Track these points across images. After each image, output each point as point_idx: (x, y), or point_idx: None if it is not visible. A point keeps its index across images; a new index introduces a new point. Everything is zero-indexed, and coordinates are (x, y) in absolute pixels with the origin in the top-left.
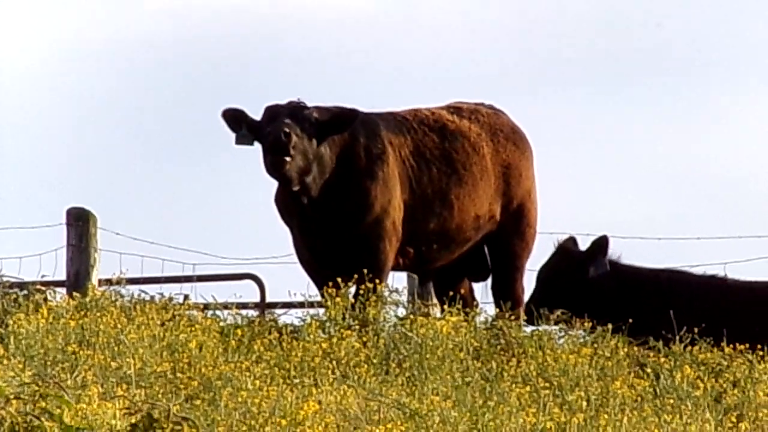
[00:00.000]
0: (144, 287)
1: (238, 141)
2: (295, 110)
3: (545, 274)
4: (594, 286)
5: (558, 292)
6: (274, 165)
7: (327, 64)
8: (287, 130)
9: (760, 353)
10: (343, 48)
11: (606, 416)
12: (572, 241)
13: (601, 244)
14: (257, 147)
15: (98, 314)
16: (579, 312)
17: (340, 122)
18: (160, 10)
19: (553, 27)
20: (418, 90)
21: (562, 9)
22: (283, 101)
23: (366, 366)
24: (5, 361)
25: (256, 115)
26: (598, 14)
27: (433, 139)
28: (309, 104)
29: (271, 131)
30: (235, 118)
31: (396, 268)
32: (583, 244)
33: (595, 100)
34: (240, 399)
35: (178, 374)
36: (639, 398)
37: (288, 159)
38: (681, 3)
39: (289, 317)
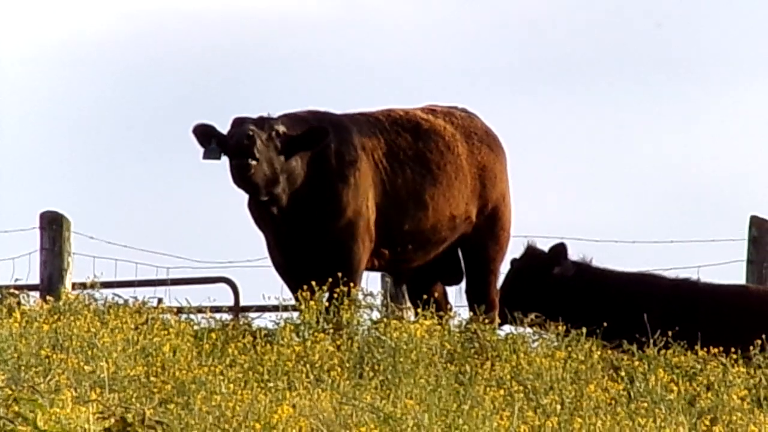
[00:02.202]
0: (118, 291)
1: (206, 156)
2: (263, 121)
3: (511, 273)
4: (565, 289)
5: (524, 293)
6: (238, 169)
7: (301, 66)
8: (251, 132)
9: (734, 356)
10: (315, 51)
11: (580, 420)
12: (563, 246)
13: (559, 250)
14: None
15: (72, 318)
16: (551, 315)
17: (309, 139)
18: (133, 13)
19: (548, 27)
20: (391, 93)
21: (560, 10)
22: (254, 115)
23: (340, 370)
24: None
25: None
26: (598, 14)
27: (407, 139)
28: (280, 111)
29: (234, 133)
30: (204, 134)
31: (371, 268)
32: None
33: (570, 103)
34: (214, 403)
35: (152, 378)
36: (613, 401)
37: (253, 163)
38: (681, 3)
39: (263, 321)
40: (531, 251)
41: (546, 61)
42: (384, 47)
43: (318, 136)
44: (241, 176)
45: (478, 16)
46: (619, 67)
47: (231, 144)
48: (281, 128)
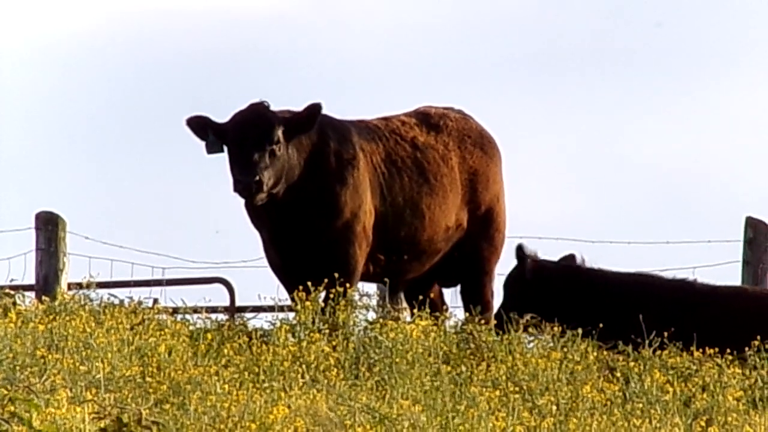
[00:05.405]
0: (113, 291)
1: (210, 150)
2: (262, 130)
3: (509, 283)
4: (561, 290)
5: (523, 300)
6: (246, 200)
7: (294, 66)
8: (258, 177)
9: (729, 357)
10: (306, 50)
11: (575, 420)
12: (572, 257)
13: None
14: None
15: (67, 318)
16: (548, 317)
17: (305, 117)
18: (130, 12)
19: (549, 25)
20: (386, 93)
21: (560, 8)
22: (246, 103)
23: (336, 370)
24: None
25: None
26: (598, 13)
27: (405, 148)
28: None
29: (240, 181)
30: (200, 125)
31: (367, 276)
32: (554, 250)
33: (566, 103)
34: (209, 403)
35: (148, 378)
36: (608, 402)
37: (259, 196)
38: (681, 3)
39: (259, 321)
40: (521, 254)
41: (543, 61)
42: (376, 46)
43: (312, 112)
44: (250, 202)
45: (475, 13)
46: (616, 67)
47: (237, 189)
48: (281, 120)
